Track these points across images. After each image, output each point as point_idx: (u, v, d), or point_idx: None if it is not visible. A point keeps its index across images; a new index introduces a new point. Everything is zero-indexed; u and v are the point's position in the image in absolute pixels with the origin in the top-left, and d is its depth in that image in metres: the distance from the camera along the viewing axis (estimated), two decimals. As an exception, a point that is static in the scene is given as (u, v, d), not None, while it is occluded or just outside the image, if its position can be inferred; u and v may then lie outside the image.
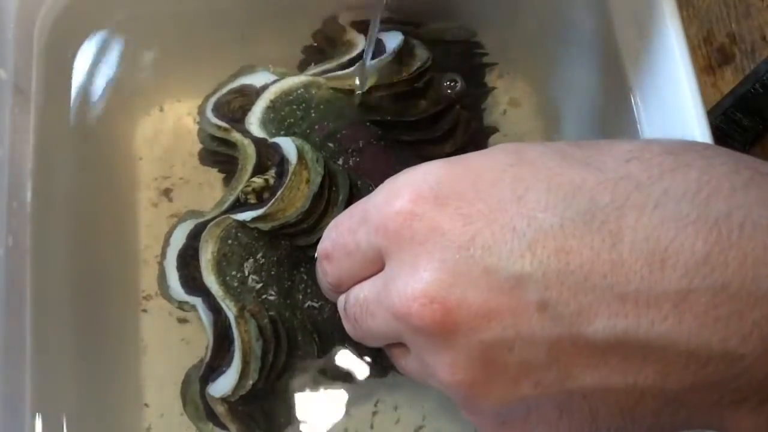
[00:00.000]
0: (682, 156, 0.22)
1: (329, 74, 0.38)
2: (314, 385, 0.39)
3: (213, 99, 0.40)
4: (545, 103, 0.47)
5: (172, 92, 0.47)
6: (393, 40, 0.38)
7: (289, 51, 0.43)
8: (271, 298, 0.35)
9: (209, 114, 0.39)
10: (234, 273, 0.35)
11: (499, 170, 0.23)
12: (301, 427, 0.39)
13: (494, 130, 0.42)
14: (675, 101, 0.34)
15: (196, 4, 0.43)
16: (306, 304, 0.36)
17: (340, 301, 0.29)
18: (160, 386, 0.42)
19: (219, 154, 0.39)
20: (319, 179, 0.34)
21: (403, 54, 0.37)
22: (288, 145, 0.35)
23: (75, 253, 0.41)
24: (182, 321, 0.43)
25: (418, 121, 0.36)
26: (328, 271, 0.28)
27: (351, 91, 0.37)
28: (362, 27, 0.41)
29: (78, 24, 0.42)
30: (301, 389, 0.39)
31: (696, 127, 0.33)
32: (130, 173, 0.45)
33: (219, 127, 0.38)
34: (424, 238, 0.23)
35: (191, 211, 0.38)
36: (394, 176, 0.25)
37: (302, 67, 0.42)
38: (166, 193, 0.46)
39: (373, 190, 0.35)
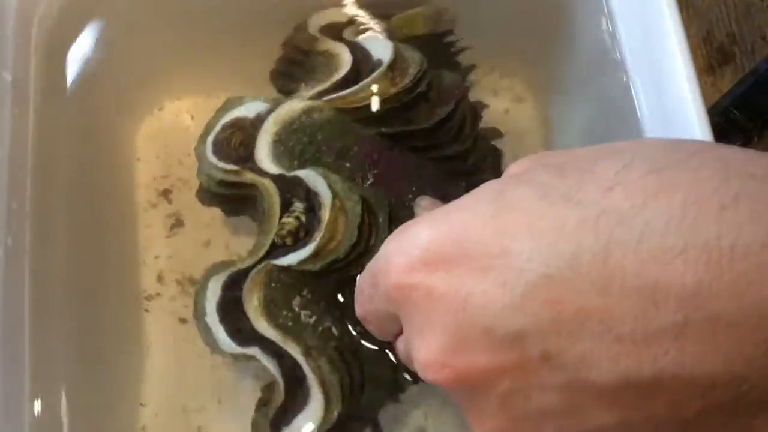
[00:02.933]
0: (666, 173, 0.21)
1: (329, 97, 0.37)
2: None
3: (209, 140, 0.38)
4: (546, 103, 0.47)
5: (171, 91, 0.47)
6: (380, 48, 0.37)
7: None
8: (328, 327, 0.35)
9: (212, 158, 0.37)
10: (285, 313, 0.35)
11: (480, 224, 0.23)
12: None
13: (496, 130, 0.42)
14: (675, 101, 0.34)
15: (196, 4, 0.43)
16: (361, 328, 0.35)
17: None
18: (159, 386, 0.42)
19: (225, 195, 0.38)
20: (358, 208, 0.34)
21: (394, 60, 0.37)
22: (313, 178, 0.35)
23: (74, 253, 0.40)
24: (183, 321, 0.43)
25: (428, 126, 0.36)
26: (372, 331, 0.29)
27: (354, 110, 0.36)
28: (334, 32, 0.40)
29: (77, 24, 0.41)
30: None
31: (696, 127, 0.33)
32: (129, 173, 0.45)
33: (228, 171, 0.37)
34: (423, 306, 0.23)
35: (221, 263, 0.37)
36: (388, 239, 0.26)
37: (275, 77, 0.42)
38: (165, 194, 0.45)
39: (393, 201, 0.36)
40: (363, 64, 0.38)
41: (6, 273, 0.35)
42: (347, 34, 0.40)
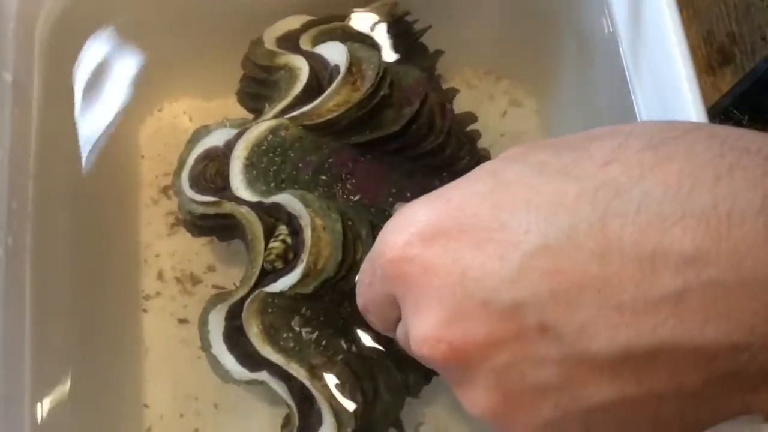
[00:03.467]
0: (662, 149, 0.21)
1: (293, 114, 0.36)
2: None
3: (184, 174, 0.38)
4: (544, 104, 0.47)
5: (171, 91, 0.47)
6: (335, 53, 0.37)
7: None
8: (332, 339, 0.35)
9: (190, 193, 0.37)
10: (285, 335, 0.35)
11: (478, 200, 0.23)
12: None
13: (471, 115, 0.41)
14: (675, 101, 0.34)
15: (195, 6, 0.43)
16: (365, 333, 0.36)
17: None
18: (160, 387, 0.42)
19: (212, 227, 0.38)
20: (338, 226, 0.33)
21: (351, 63, 0.36)
22: (291, 202, 0.34)
23: (75, 252, 0.41)
24: (183, 321, 0.43)
25: (397, 130, 0.36)
26: (373, 321, 0.29)
27: (321, 125, 0.36)
28: (291, 42, 0.40)
29: (78, 24, 0.42)
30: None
31: (696, 128, 0.33)
32: (130, 172, 0.46)
33: (207, 203, 0.37)
34: (419, 280, 0.23)
35: (217, 295, 0.37)
36: (386, 223, 0.26)
37: (241, 97, 0.41)
38: (165, 191, 0.46)
39: (374, 209, 0.35)
40: (321, 71, 0.37)
41: (7, 273, 0.35)
42: (304, 42, 0.40)
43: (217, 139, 0.38)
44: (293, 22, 0.41)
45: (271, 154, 0.36)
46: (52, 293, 0.39)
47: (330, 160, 0.36)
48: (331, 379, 0.34)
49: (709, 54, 0.50)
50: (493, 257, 0.21)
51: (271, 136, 0.36)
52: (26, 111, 0.38)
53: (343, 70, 0.36)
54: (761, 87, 0.47)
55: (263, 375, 0.35)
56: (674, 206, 0.20)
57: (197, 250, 0.45)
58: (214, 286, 0.44)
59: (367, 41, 0.39)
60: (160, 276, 0.44)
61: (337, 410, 0.34)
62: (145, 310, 0.43)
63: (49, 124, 0.39)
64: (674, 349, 0.20)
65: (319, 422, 0.34)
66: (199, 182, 0.37)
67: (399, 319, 0.27)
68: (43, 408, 0.36)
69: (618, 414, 0.22)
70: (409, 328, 0.24)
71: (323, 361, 0.35)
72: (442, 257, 0.22)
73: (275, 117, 0.37)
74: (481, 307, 0.22)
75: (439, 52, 0.42)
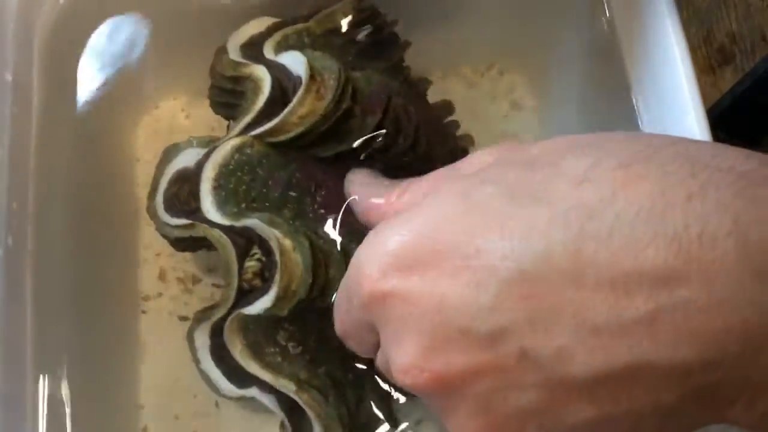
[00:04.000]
0: (634, 167, 0.21)
1: (258, 131, 0.36)
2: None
3: (158, 198, 0.38)
4: (545, 104, 0.47)
5: (169, 91, 0.47)
6: (295, 64, 0.36)
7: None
8: (315, 352, 0.35)
9: (165, 217, 0.37)
10: (272, 350, 0.35)
11: (450, 225, 0.23)
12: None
13: (448, 105, 0.40)
14: (675, 101, 0.34)
15: (193, 4, 0.43)
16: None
17: None
18: (158, 387, 0.42)
19: (193, 245, 0.38)
20: (306, 246, 0.33)
21: (312, 74, 0.36)
22: (258, 225, 0.34)
23: (75, 253, 0.41)
24: (183, 319, 0.43)
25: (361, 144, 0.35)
26: (353, 347, 0.29)
27: (285, 142, 0.35)
28: (255, 49, 0.39)
29: (77, 24, 0.42)
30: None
31: (696, 128, 0.33)
32: (129, 172, 0.46)
33: (181, 227, 0.36)
34: (399, 311, 0.23)
35: (200, 313, 0.37)
36: (359, 248, 0.26)
37: (213, 106, 0.41)
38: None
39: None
40: (284, 81, 0.37)
41: (6, 273, 0.35)
42: (267, 48, 0.39)
43: (187, 159, 0.37)
44: (257, 26, 0.40)
45: (239, 173, 0.35)
46: (52, 293, 0.39)
47: (297, 174, 0.36)
48: (317, 395, 0.35)
49: (709, 54, 0.50)
50: (470, 285, 0.22)
51: (237, 154, 0.35)
52: (26, 111, 0.38)
53: (304, 81, 0.35)
54: (761, 87, 0.47)
55: (252, 391, 0.36)
56: (646, 227, 0.20)
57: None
58: (214, 285, 0.44)
59: (334, 41, 0.39)
60: (161, 275, 0.44)
61: (325, 420, 0.35)
62: (144, 311, 0.43)
63: (49, 124, 0.40)
64: (649, 368, 0.20)
65: (311, 431, 0.35)
66: (173, 205, 0.37)
67: (378, 343, 0.27)
68: (43, 409, 0.36)
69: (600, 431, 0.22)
70: (391, 358, 0.24)
71: (308, 375, 0.35)
72: (420, 287, 0.23)
73: (240, 134, 0.36)
74: (460, 336, 0.22)
75: (407, 43, 0.41)
